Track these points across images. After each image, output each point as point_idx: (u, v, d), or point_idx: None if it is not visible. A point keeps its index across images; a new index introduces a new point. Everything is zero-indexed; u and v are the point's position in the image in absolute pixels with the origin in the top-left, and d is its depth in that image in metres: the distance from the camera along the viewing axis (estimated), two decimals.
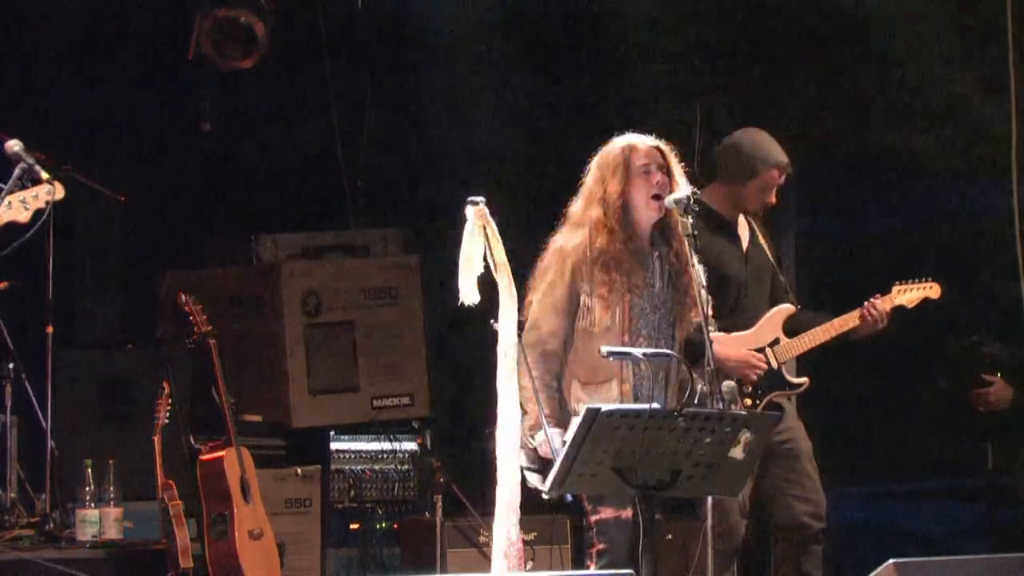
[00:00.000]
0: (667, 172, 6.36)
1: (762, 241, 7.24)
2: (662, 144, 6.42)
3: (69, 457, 7.71)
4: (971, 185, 8.33)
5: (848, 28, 8.16)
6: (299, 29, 9.04)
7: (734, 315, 6.98)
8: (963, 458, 8.43)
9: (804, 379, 7.07)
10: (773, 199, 7.14)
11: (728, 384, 5.85)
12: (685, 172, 6.44)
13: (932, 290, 7.11)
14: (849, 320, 7.06)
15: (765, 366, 6.98)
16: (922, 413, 9.38)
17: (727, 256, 7.06)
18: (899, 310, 7.07)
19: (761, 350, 7.04)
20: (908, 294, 7.08)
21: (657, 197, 6.31)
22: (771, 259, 7.24)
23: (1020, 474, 8.02)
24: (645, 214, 6.36)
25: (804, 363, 7.17)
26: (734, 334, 6.97)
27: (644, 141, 6.42)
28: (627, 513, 6.18)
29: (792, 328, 7.09)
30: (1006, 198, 7.59)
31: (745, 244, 7.21)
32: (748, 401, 7.02)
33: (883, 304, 7.05)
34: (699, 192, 6.36)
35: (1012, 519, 8.07)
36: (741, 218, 7.23)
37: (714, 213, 7.13)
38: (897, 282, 7.09)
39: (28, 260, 7.35)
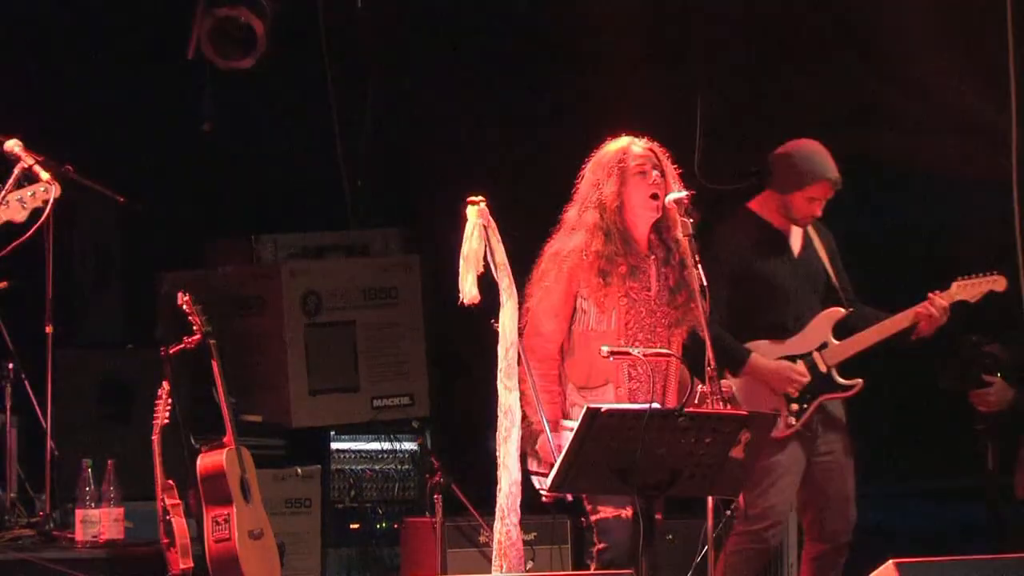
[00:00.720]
0: (662, 174, 6.36)
1: (817, 246, 7.22)
2: (655, 146, 6.43)
3: (69, 457, 7.71)
4: (971, 185, 8.33)
5: (848, 28, 8.16)
6: (299, 29, 9.04)
7: (783, 322, 6.99)
8: (963, 458, 8.42)
9: (857, 381, 7.05)
10: (819, 211, 7.13)
11: (727, 383, 5.85)
12: (680, 174, 6.44)
13: (997, 283, 7.06)
14: (902, 320, 7.03)
15: (804, 379, 6.97)
16: (923, 413, 9.37)
17: (774, 264, 7.07)
18: (960, 305, 7.04)
19: (807, 355, 7.02)
20: (971, 289, 7.04)
21: (655, 196, 6.31)
22: (826, 264, 7.21)
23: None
24: (643, 215, 6.35)
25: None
26: (779, 342, 6.98)
27: (638, 143, 6.42)
28: (627, 512, 6.18)
29: (846, 330, 7.08)
30: (1006, 198, 7.59)
31: (797, 250, 7.19)
32: (795, 406, 7.00)
33: (941, 300, 7.02)
34: (691, 199, 6.38)
35: (1013, 519, 8.07)
36: (797, 228, 7.23)
37: (764, 222, 7.14)
38: (959, 277, 7.05)
39: (28, 260, 7.35)
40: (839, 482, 7.10)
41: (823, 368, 7.02)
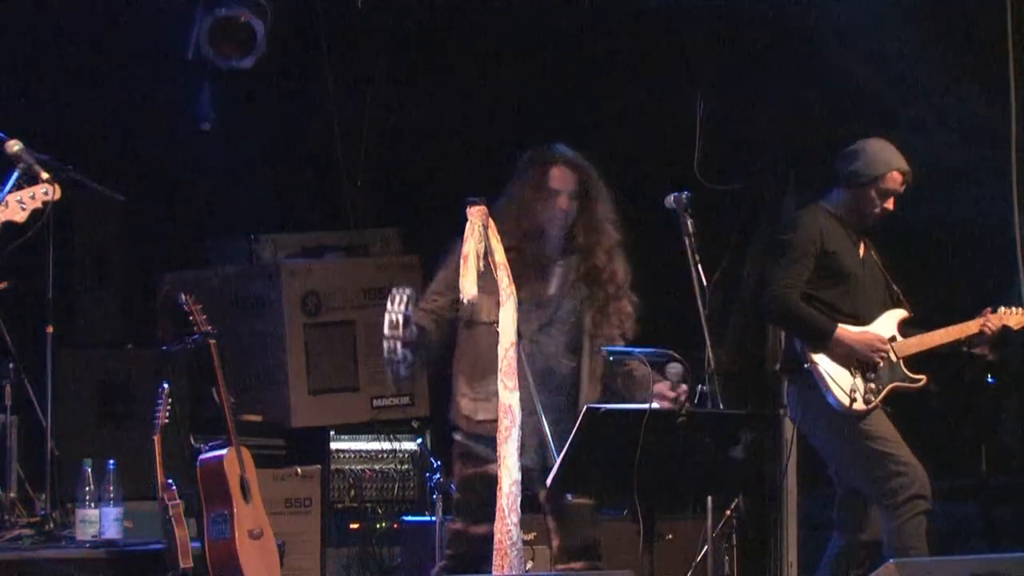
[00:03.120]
0: (581, 195, 6.37)
1: (875, 257, 7.30)
2: (583, 163, 6.43)
3: (69, 457, 7.70)
4: (971, 185, 8.34)
5: (847, 27, 8.16)
6: (299, 29, 9.04)
7: (856, 312, 7.11)
8: (962, 458, 8.44)
9: (922, 376, 7.16)
10: (892, 205, 7.19)
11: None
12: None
13: None
14: (970, 326, 7.19)
15: (888, 349, 7.06)
16: (921, 413, 9.38)
17: (846, 251, 7.14)
18: (1006, 329, 7.22)
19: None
20: (1015, 317, 7.23)
21: (563, 209, 6.32)
22: (883, 272, 7.31)
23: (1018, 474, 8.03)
24: (551, 223, 6.39)
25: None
26: (859, 327, 7.05)
27: (565, 158, 6.43)
28: (478, 529, 6.23)
29: (907, 334, 7.18)
30: (1006, 198, 7.59)
31: (861, 250, 7.26)
32: (873, 385, 7.07)
33: (996, 319, 7.20)
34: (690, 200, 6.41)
35: (1011, 519, 8.08)
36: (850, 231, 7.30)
37: (838, 217, 7.20)
38: (1003, 307, 7.22)
39: (28, 260, 7.35)
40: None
41: (894, 358, 7.11)
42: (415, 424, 8.83)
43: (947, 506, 8.61)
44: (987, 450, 8.15)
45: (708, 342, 6.11)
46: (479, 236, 5.97)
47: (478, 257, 5.96)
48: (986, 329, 7.18)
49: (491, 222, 6.01)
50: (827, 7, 8.24)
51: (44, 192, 5.96)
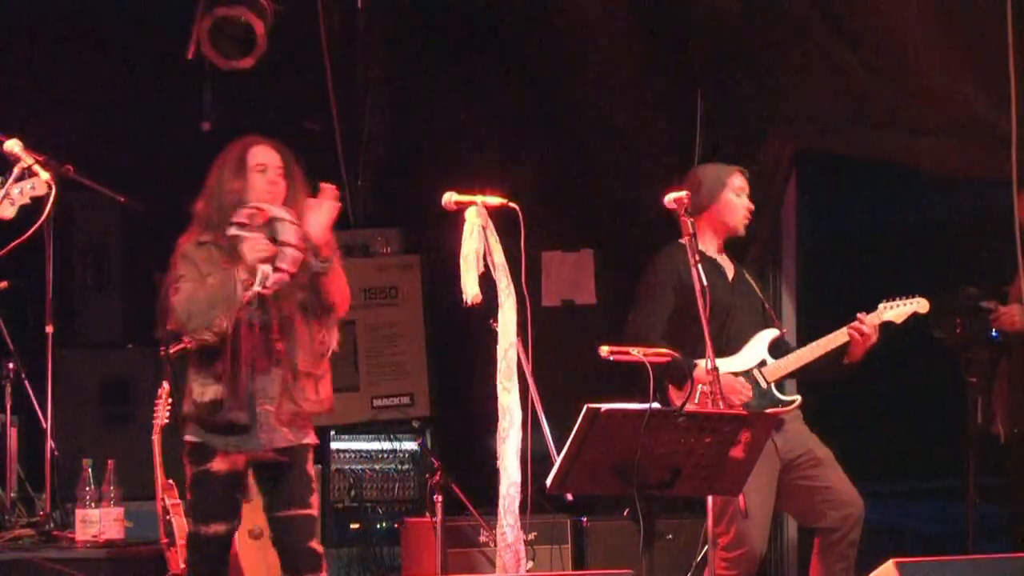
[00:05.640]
0: (287, 176, 6.41)
1: (748, 278, 7.25)
2: (284, 149, 6.49)
3: (69, 457, 7.71)
4: (971, 185, 8.34)
5: (847, 27, 8.16)
6: (299, 29, 9.04)
7: (721, 339, 6.95)
8: (960, 458, 8.44)
9: (796, 397, 7.08)
10: (750, 203, 7.14)
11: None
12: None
13: (920, 305, 7.11)
14: (837, 337, 7.03)
15: (747, 391, 6.97)
16: (920, 414, 9.39)
17: (712, 282, 7.03)
18: (888, 325, 7.08)
19: (748, 372, 7.03)
20: (895, 310, 7.08)
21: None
22: (759, 291, 7.24)
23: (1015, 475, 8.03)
24: None
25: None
26: (720, 360, 6.96)
27: (265, 142, 6.48)
28: (214, 528, 6.31)
29: (779, 352, 7.09)
30: (1006, 198, 7.59)
31: (731, 275, 7.20)
32: None
33: (871, 320, 7.04)
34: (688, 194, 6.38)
35: (1009, 520, 8.08)
36: (723, 257, 7.22)
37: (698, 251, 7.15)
38: (885, 299, 7.10)
39: (28, 260, 7.35)
40: (826, 469, 7.07)
41: (764, 385, 7.03)
42: (415, 424, 8.83)
43: (951, 506, 8.63)
44: (974, 450, 8.13)
45: (709, 343, 6.10)
46: (479, 236, 5.97)
47: (477, 258, 5.96)
48: (855, 334, 6.99)
49: (489, 222, 6.01)
50: (827, 6, 8.25)
51: (31, 187, 5.92)
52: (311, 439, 6.48)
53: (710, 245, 7.11)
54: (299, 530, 6.34)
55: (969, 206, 8.19)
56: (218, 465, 6.31)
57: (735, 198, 7.13)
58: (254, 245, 6.21)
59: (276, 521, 6.38)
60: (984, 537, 8.18)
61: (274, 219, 6.24)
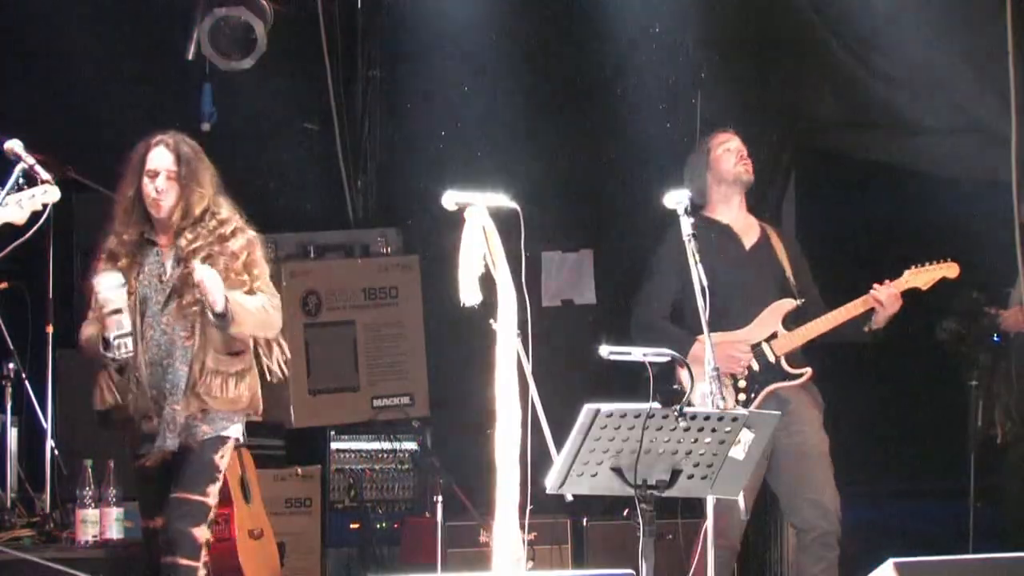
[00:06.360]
0: (181, 179, 6.48)
1: (776, 244, 7.22)
2: (183, 148, 6.58)
3: (69, 457, 7.71)
4: (971, 185, 8.33)
5: (845, 26, 8.16)
6: (299, 29, 9.04)
7: (728, 315, 6.95)
8: (959, 458, 8.44)
9: (806, 369, 7.06)
10: (744, 163, 7.15)
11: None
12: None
13: (950, 269, 7.01)
14: (853, 308, 7.00)
15: (747, 357, 6.96)
16: (920, 414, 9.37)
17: (721, 256, 7.03)
18: (913, 292, 7.01)
19: (756, 345, 7.03)
20: (923, 276, 6.98)
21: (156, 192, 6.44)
22: (783, 262, 7.21)
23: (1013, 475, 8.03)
24: (151, 206, 6.49)
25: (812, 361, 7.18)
26: (726, 333, 6.96)
27: (164, 142, 6.57)
28: (154, 523, 6.42)
29: (796, 323, 7.08)
30: (1006, 198, 7.59)
31: (750, 243, 7.20)
32: (743, 396, 7.02)
33: (893, 287, 6.98)
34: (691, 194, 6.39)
35: (1008, 520, 8.08)
36: (749, 222, 7.23)
37: (712, 220, 7.16)
38: (912, 266, 7.04)
39: (28, 260, 7.35)
40: (813, 463, 7.07)
41: (772, 358, 7.02)
42: (415, 424, 8.83)
43: (950, 506, 8.62)
44: (976, 451, 8.13)
45: (709, 342, 6.11)
46: (478, 236, 5.96)
47: (477, 258, 5.95)
48: (879, 300, 6.94)
49: (490, 222, 6.01)
50: (827, 6, 8.25)
51: (43, 192, 5.97)
52: (228, 432, 6.51)
53: (730, 208, 7.14)
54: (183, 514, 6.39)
55: (969, 206, 8.17)
56: (148, 460, 6.47)
57: (722, 151, 7.16)
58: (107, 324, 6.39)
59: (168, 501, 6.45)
60: (984, 537, 8.18)
61: (96, 294, 6.39)
